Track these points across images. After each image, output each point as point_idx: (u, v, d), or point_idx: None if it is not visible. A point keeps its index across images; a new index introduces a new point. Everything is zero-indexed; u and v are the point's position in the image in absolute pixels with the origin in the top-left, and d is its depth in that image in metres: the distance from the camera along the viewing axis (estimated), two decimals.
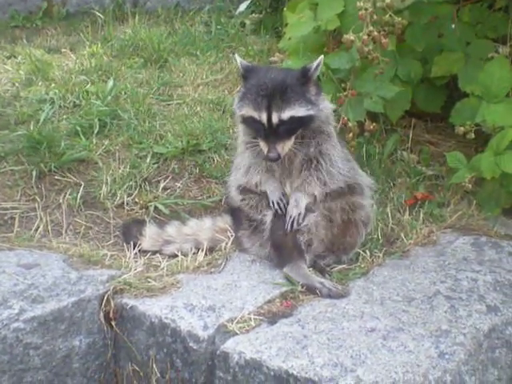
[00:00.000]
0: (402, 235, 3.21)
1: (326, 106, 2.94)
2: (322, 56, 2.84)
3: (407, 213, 3.38)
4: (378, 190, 3.48)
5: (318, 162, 2.90)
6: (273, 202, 2.89)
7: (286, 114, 2.74)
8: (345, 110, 3.59)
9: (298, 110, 2.76)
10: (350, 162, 3.07)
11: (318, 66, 2.81)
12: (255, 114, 2.76)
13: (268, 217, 2.95)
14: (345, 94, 3.58)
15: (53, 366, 2.65)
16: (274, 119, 2.74)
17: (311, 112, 2.80)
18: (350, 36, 3.30)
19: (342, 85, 3.65)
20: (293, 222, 2.87)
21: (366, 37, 3.29)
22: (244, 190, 3.01)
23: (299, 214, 2.87)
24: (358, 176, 3.08)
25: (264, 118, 2.74)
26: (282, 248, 2.91)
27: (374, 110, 3.65)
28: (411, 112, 4.01)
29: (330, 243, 3.01)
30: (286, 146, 2.78)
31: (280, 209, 2.88)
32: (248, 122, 2.83)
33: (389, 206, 3.41)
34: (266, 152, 2.77)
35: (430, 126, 4.20)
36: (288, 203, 2.89)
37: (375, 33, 3.30)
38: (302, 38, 3.93)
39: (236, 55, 2.99)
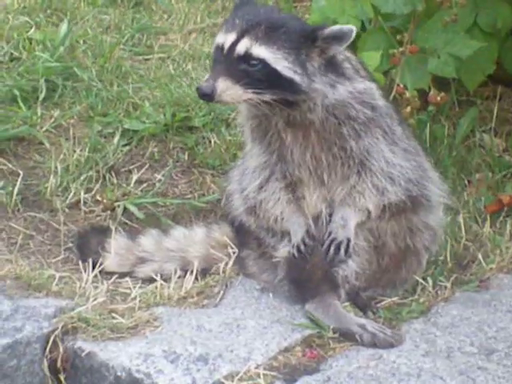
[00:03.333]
0: (480, 257, 3.20)
1: (344, 88, 2.83)
2: (354, 28, 2.74)
3: (488, 224, 3.37)
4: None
5: (368, 162, 2.87)
6: (293, 245, 2.89)
7: (260, 51, 2.70)
8: (400, 74, 3.58)
9: (279, 60, 2.71)
10: (418, 156, 3.02)
11: (336, 36, 2.72)
12: (221, 39, 2.73)
13: (283, 251, 2.96)
14: (401, 50, 3.57)
15: None
16: (240, 48, 2.69)
17: (296, 78, 2.72)
18: None
19: (398, 37, 3.64)
20: (338, 248, 2.85)
21: None
22: (252, 213, 3.00)
23: (348, 240, 2.86)
24: (428, 181, 3.03)
25: (228, 41, 2.70)
26: (305, 280, 2.91)
27: (442, 74, 3.64)
28: (496, 77, 3.99)
29: (373, 278, 3.01)
30: (229, 90, 2.69)
31: (301, 254, 2.87)
32: (212, 58, 2.79)
33: (462, 214, 3.39)
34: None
35: None
36: (313, 245, 2.88)
37: None
38: None
39: None
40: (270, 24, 2.73)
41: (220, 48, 2.73)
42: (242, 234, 3.12)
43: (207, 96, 2.70)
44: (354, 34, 2.73)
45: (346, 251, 2.86)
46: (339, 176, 2.89)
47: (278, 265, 2.99)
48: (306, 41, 2.74)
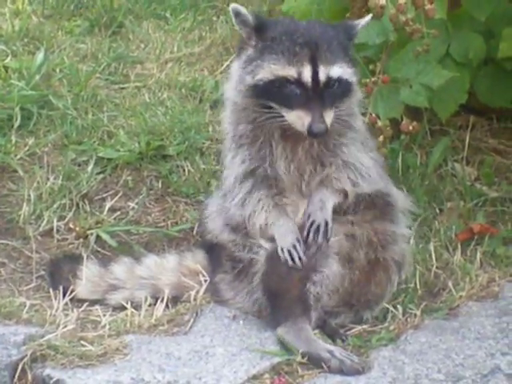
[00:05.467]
0: (450, 284, 3.24)
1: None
2: (370, 15, 2.99)
3: (459, 252, 3.41)
4: (419, 217, 3.53)
5: (346, 160, 2.98)
6: (282, 250, 2.92)
7: (336, 72, 2.84)
8: (373, 103, 3.63)
9: (346, 71, 2.88)
10: (385, 175, 3.16)
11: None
12: (290, 71, 2.80)
13: (261, 255, 2.99)
14: (374, 79, 3.62)
15: None
16: (321, 76, 2.81)
17: (354, 79, 2.92)
18: (379, 0, 3.34)
19: (371, 67, 3.71)
20: (317, 232, 2.91)
21: (402, 1, 3.33)
22: (238, 230, 3.04)
23: (326, 223, 2.92)
24: (392, 192, 3.14)
25: (307, 74, 2.80)
26: (281, 297, 2.95)
27: (414, 103, 3.70)
28: (469, 107, 4.06)
29: (347, 295, 3.06)
30: (330, 118, 2.83)
31: (292, 259, 2.91)
32: (271, 90, 2.83)
33: (432, 242, 3.45)
34: (306, 124, 2.78)
35: (496, 127, 4.26)
36: (303, 251, 2.92)
37: None
38: None
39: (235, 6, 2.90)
40: (326, 42, 2.86)
41: (294, 82, 2.81)
42: (216, 256, 3.14)
43: (323, 134, 2.81)
44: None
45: (325, 234, 2.91)
46: (317, 181, 2.97)
47: (256, 270, 2.98)
48: (349, 42, 2.95)
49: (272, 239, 2.96)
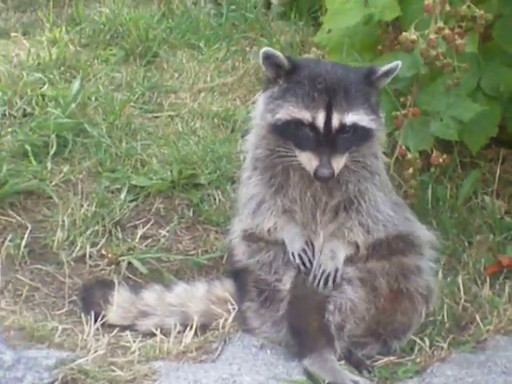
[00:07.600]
0: (478, 318, 3.28)
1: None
2: (399, 63, 3.03)
3: (487, 285, 3.45)
4: (447, 251, 3.57)
5: (357, 202, 3.07)
6: (293, 255, 3.04)
7: (350, 119, 2.93)
8: (403, 136, 3.69)
9: (363, 118, 2.97)
10: (404, 210, 3.22)
11: (387, 72, 3.01)
12: (306, 115, 2.92)
13: (286, 281, 3.08)
14: (404, 112, 3.67)
15: None
16: (335, 122, 2.91)
17: (373, 125, 3.00)
18: (410, 34, 3.41)
19: (401, 99, 3.75)
20: (327, 278, 3.00)
21: (433, 36, 3.39)
22: (251, 238, 3.16)
23: (336, 270, 3.01)
24: (415, 228, 3.22)
25: (321, 119, 2.91)
26: (304, 331, 3.01)
27: (444, 136, 3.75)
28: (500, 140, 4.09)
29: (373, 323, 3.11)
30: (340, 164, 2.94)
31: (303, 263, 3.02)
32: (287, 130, 2.96)
33: (461, 275, 3.49)
34: (314, 167, 2.90)
35: None
36: (314, 255, 3.04)
37: (447, 30, 3.40)
38: (346, 30, 4.05)
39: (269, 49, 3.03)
40: (344, 88, 2.94)
41: (308, 125, 2.92)
42: (242, 282, 3.22)
43: (329, 178, 2.93)
44: (399, 68, 3.03)
45: (334, 281, 3.01)
46: (331, 214, 3.06)
47: (282, 298, 3.07)
48: (369, 87, 3.01)
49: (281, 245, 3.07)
